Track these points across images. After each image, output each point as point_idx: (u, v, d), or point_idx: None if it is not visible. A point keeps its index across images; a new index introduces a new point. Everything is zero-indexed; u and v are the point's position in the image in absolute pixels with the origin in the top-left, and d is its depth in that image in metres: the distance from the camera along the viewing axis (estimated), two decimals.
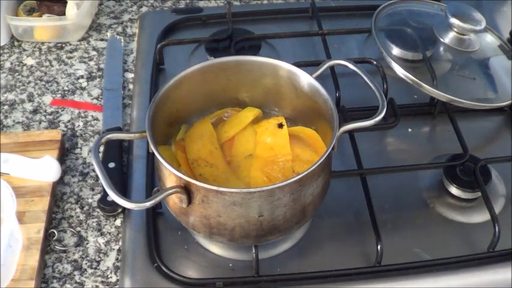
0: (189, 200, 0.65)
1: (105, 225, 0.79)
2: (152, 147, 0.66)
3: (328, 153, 0.66)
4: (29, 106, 0.94)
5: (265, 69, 0.76)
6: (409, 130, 0.90)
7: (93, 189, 0.83)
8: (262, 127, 0.77)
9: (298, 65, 0.76)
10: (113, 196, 0.63)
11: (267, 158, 0.74)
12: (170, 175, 0.66)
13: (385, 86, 0.89)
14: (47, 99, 0.95)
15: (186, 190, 0.65)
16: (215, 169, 0.73)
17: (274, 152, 0.74)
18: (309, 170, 0.64)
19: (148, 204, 0.64)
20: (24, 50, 1.04)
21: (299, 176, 0.64)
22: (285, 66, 0.75)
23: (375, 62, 0.93)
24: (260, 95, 0.78)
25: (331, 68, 0.94)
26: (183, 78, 0.75)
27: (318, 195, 0.69)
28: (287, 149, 0.74)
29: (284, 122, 0.76)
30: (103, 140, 0.68)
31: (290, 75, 0.75)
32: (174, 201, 0.68)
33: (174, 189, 0.65)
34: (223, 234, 0.68)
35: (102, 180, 0.63)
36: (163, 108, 0.72)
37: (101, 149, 0.87)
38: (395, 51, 0.94)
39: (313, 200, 0.68)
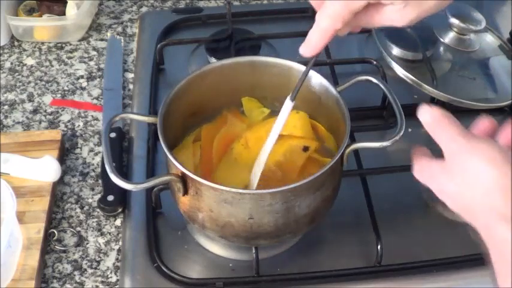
0: (185, 190, 0.66)
1: (105, 225, 0.79)
2: (159, 133, 0.67)
3: (329, 167, 0.65)
4: (29, 106, 0.94)
5: (281, 70, 0.76)
6: (409, 130, 0.90)
7: (93, 189, 0.83)
8: (287, 143, 0.75)
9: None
10: (113, 178, 0.63)
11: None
12: (170, 162, 0.66)
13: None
14: (47, 99, 0.95)
15: (183, 180, 0.65)
16: (248, 152, 0.74)
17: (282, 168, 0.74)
18: (302, 182, 0.63)
19: (145, 185, 0.67)
20: (24, 50, 1.04)
21: (291, 186, 0.63)
22: (302, 68, 0.74)
23: (374, 62, 0.93)
24: (276, 95, 0.78)
25: (331, 67, 0.94)
26: (205, 73, 0.75)
27: (316, 209, 0.68)
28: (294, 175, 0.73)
29: (311, 149, 0.74)
30: (117, 118, 0.70)
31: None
32: (174, 189, 0.69)
33: (170, 177, 0.66)
34: (215, 229, 0.68)
35: (105, 160, 0.64)
36: (182, 99, 0.73)
37: (101, 149, 0.88)
38: (395, 51, 0.94)
39: (310, 212, 0.68)
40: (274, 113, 0.78)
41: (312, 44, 0.61)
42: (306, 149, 0.74)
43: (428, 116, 0.58)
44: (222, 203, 0.64)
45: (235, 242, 0.71)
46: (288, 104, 0.66)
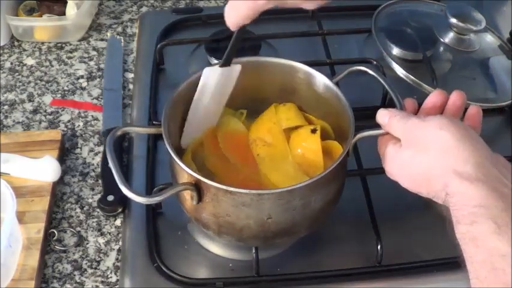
0: (199, 198, 0.65)
1: (105, 225, 0.79)
2: (166, 143, 0.66)
3: (341, 159, 0.65)
4: (29, 106, 0.94)
5: (284, 70, 0.76)
6: None
7: (93, 189, 0.83)
8: (296, 135, 0.75)
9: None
10: (125, 191, 0.63)
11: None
12: (182, 171, 0.66)
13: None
14: (47, 99, 0.95)
15: (197, 187, 0.65)
16: (273, 148, 0.74)
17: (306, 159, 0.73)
18: (320, 176, 0.64)
19: (157, 199, 0.65)
20: (24, 50, 1.04)
21: (309, 181, 0.64)
22: (304, 68, 0.75)
23: (374, 62, 0.93)
24: (279, 95, 0.78)
25: (331, 67, 0.94)
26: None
27: (329, 201, 0.69)
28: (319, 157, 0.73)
29: (318, 128, 0.74)
30: (119, 133, 0.69)
31: (308, 78, 0.75)
32: (185, 198, 0.68)
33: (184, 186, 0.65)
34: (232, 233, 0.68)
35: (115, 175, 0.63)
36: (181, 103, 0.72)
37: (101, 149, 0.88)
38: (395, 51, 0.94)
39: (324, 206, 0.68)
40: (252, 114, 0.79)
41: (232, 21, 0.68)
42: (314, 130, 0.74)
43: (386, 117, 0.65)
44: (240, 206, 0.64)
45: (253, 244, 0.71)
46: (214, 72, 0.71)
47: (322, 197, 0.67)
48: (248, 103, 0.79)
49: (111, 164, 0.64)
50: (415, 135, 0.62)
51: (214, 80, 0.72)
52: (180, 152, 0.73)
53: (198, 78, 0.73)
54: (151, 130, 0.71)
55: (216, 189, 0.63)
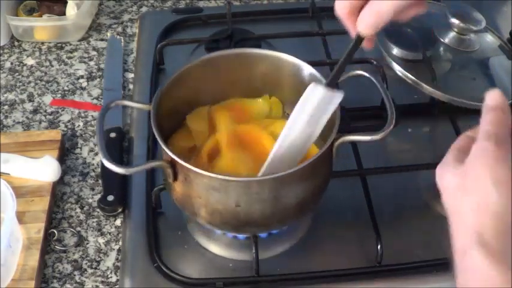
0: (175, 177, 0.67)
1: (105, 225, 0.79)
2: (152, 119, 0.67)
3: (314, 159, 0.64)
4: (29, 106, 0.94)
5: (270, 61, 0.77)
6: (409, 130, 0.90)
7: (93, 189, 0.83)
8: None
9: None
10: (105, 162, 0.64)
11: None
12: (162, 150, 0.67)
13: (385, 86, 0.88)
14: (47, 99, 0.95)
15: (172, 166, 0.66)
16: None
17: None
18: (289, 172, 0.63)
19: (135, 169, 0.69)
20: (24, 50, 1.04)
21: (277, 175, 0.63)
22: (290, 59, 0.76)
23: (374, 62, 0.93)
24: (266, 87, 0.79)
25: (331, 67, 0.94)
26: (199, 64, 0.76)
27: (306, 199, 0.68)
28: None
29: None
30: (112, 105, 0.71)
31: (294, 69, 0.75)
32: (167, 176, 0.69)
33: (159, 163, 0.67)
34: (204, 216, 0.68)
35: (99, 146, 0.65)
36: (176, 90, 0.73)
37: None
38: (395, 51, 0.94)
39: (298, 203, 0.68)
40: None
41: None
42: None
43: (494, 101, 0.56)
44: (210, 190, 0.65)
45: (224, 230, 0.72)
46: (317, 89, 0.66)
47: (296, 194, 0.67)
48: (235, 95, 0.80)
49: (97, 136, 0.66)
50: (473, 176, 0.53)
51: (316, 100, 0.66)
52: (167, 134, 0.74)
53: (198, 64, 0.75)
54: (145, 106, 0.72)
55: (187, 170, 0.64)
